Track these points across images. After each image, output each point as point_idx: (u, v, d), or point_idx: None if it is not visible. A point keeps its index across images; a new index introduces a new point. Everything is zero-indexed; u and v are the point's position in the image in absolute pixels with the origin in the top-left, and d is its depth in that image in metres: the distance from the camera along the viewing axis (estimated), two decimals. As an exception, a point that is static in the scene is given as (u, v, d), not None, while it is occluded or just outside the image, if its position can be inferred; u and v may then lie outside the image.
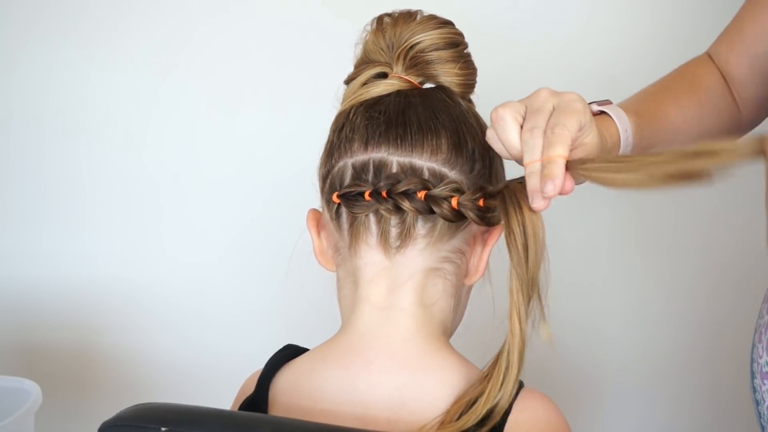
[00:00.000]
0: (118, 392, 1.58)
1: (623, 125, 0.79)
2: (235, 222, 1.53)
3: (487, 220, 0.68)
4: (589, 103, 0.78)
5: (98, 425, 0.61)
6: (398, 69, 0.73)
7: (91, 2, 1.47)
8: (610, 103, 0.82)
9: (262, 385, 0.72)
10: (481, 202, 0.66)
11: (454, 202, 0.66)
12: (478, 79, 0.77)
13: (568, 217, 1.32)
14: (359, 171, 0.69)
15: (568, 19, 1.40)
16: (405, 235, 0.68)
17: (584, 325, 1.48)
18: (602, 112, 0.80)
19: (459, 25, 0.76)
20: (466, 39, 0.76)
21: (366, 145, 0.69)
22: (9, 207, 1.57)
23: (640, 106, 0.85)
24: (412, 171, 0.68)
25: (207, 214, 1.54)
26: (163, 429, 0.59)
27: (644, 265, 1.48)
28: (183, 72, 1.48)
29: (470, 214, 0.67)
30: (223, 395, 0.82)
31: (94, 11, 1.47)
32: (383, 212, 0.67)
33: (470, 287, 0.77)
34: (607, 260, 1.48)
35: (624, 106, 0.82)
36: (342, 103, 0.75)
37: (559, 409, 0.70)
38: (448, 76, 0.73)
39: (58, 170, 1.54)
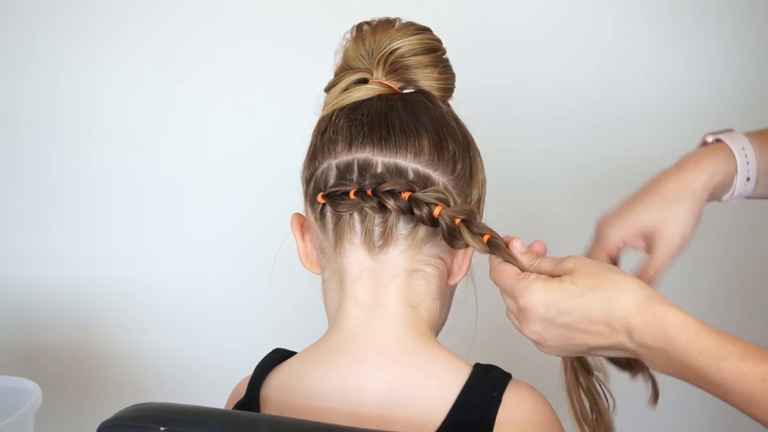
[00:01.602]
0: (118, 392, 1.58)
1: (738, 145, 0.82)
2: (238, 223, 1.53)
3: (452, 239, 0.69)
4: (706, 135, 0.84)
5: (98, 425, 0.61)
6: (378, 74, 0.74)
7: (97, 5, 1.48)
8: (732, 131, 0.85)
9: (252, 388, 0.73)
10: (456, 222, 0.68)
11: (436, 211, 0.68)
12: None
13: (572, 219, 1.32)
14: (343, 171, 0.70)
15: (568, 20, 1.40)
16: (387, 235, 0.70)
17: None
18: (718, 141, 0.83)
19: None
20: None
21: (350, 146, 0.70)
22: (15, 208, 1.57)
23: None
24: (398, 171, 0.69)
25: (209, 216, 1.54)
26: (161, 429, 0.59)
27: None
28: (188, 76, 1.49)
29: (443, 227, 0.68)
30: (226, 394, 0.82)
31: (100, 14, 1.48)
32: (368, 210, 0.69)
33: (455, 288, 0.78)
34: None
35: (751, 133, 0.85)
36: (323, 110, 0.76)
37: (549, 403, 0.71)
38: (427, 80, 0.75)
39: (64, 172, 1.54)
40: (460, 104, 0.78)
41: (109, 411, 0.63)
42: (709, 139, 0.84)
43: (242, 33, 1.47)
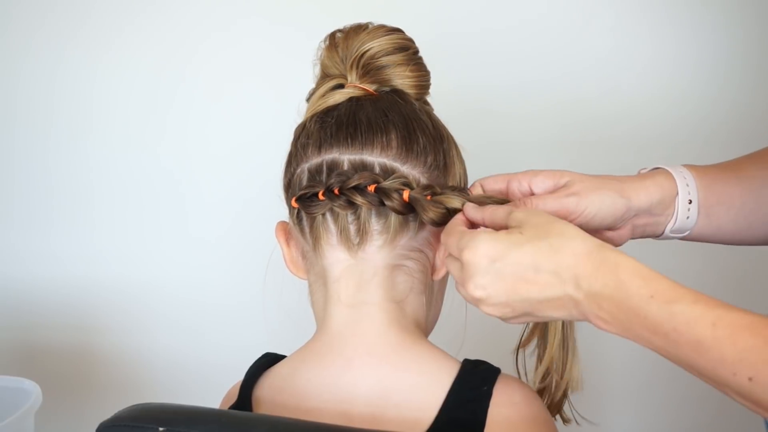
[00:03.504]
0: (118, 392, 1.58)
1: (676, 170, 0.80)
2: (238, 222, 1.53)
3: (439, 216, 0.69)
4: (640, 170, 0.82)
5: (98, 425, 0.62)
6: (353, 78, 0.75)
7: (95, 4, 1.48)
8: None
9: (244, 392, 0.73)
10: (428, 197, 0.68)
11: (405, 195, 0.68)
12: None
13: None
14: (314, 173, 0.71)
15: (567, 21, 1.40)
16: (362, 231, 0.70)
17: (586, 324, 1.47)
18: (657, 168, 0.81)
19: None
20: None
21: (319, 148, 0.71)
22: (13, 207, 1.57)
23: (716, 165, 0.85)
24: (363, 167, 0.70)
25: (209, 214, 1.54)
26: (160, 429, 0.59)
27: (647, 264, 1.47)
28: (187, 75, 1.49)
29: (421, 210, 0.68)
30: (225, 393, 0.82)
31: (98, 13, 1.48)
32: (337, 209, 0.69)
33: (443, 284, 0.78)
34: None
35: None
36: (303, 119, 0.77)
37: (539, 397, 0.71)
38: (400, 78, 0.75)
39: (63, 171, 1.54)
40: (456, 104, 0.78)
41: (109, 411, 0.63)
42: (644, 171, 0.82)
43: (241, 32, 1.47)
